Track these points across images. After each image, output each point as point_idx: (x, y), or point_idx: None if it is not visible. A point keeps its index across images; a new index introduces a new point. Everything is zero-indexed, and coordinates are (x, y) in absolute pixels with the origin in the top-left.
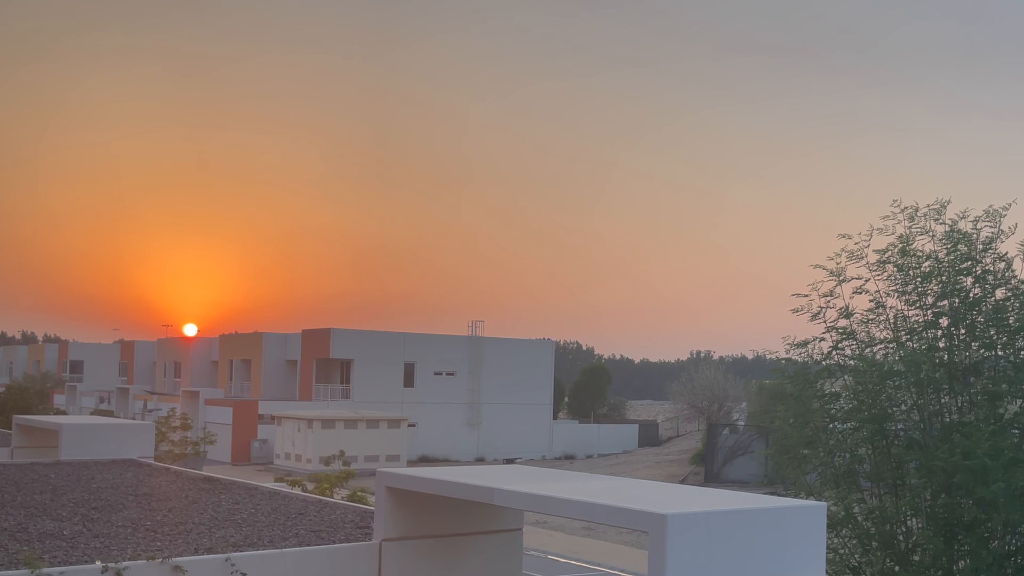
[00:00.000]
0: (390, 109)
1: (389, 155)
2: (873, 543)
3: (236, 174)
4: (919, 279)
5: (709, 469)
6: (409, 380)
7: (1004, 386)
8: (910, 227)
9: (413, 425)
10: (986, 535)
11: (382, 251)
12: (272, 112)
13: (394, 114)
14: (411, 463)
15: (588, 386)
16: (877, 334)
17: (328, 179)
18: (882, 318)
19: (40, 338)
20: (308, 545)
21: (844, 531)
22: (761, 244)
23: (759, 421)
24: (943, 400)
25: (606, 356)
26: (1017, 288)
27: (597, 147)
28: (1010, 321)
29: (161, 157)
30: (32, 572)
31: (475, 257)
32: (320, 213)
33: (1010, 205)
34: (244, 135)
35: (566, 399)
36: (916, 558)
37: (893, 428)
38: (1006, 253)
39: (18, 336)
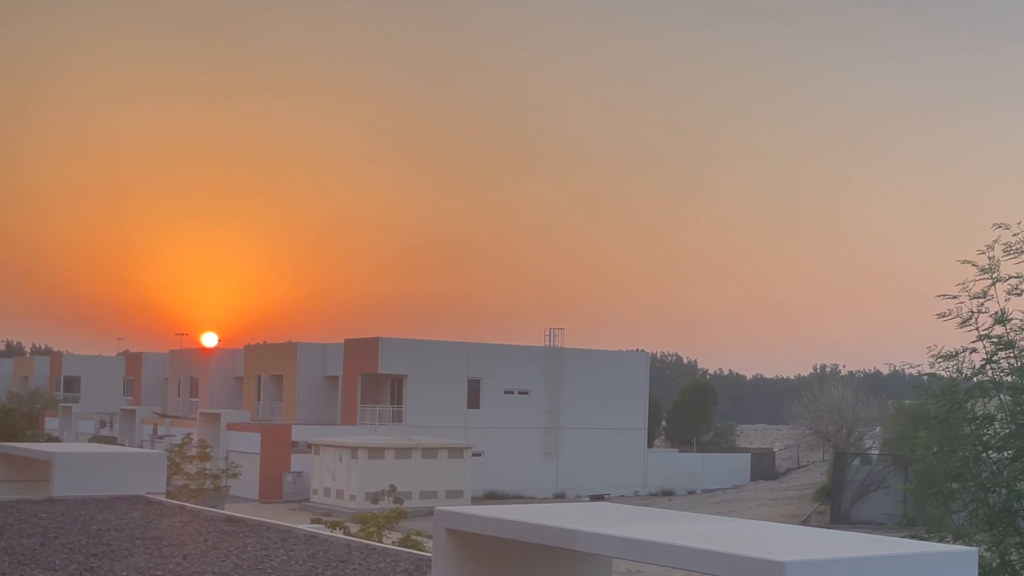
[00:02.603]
0: (446, 72)
1: (447, 129)
2: None
3: (263, 152)
4: None
5: (836, 507)
6: (474, 400)
7: None
8: None
9: (479, 454)
10: None
11: (440, 244)
12: (305, 76)
13: (451, 78)
14: (476, 500)
15: (690, 407)
16: None
17: (374, 158)
18: None
19: (28, 349)
20: None
21: None
22: (899, 235)
23: (897, 449)
24: None
25: (711, 371)
26: None
27: (698, 118)
28: None
29: (171, 131)
30: None
31: (552, 252)
32: (366, 199)
33: None
34: (271, 104)
35: (663, 423)
36: None
37: None
38: None
39: (1, 347)
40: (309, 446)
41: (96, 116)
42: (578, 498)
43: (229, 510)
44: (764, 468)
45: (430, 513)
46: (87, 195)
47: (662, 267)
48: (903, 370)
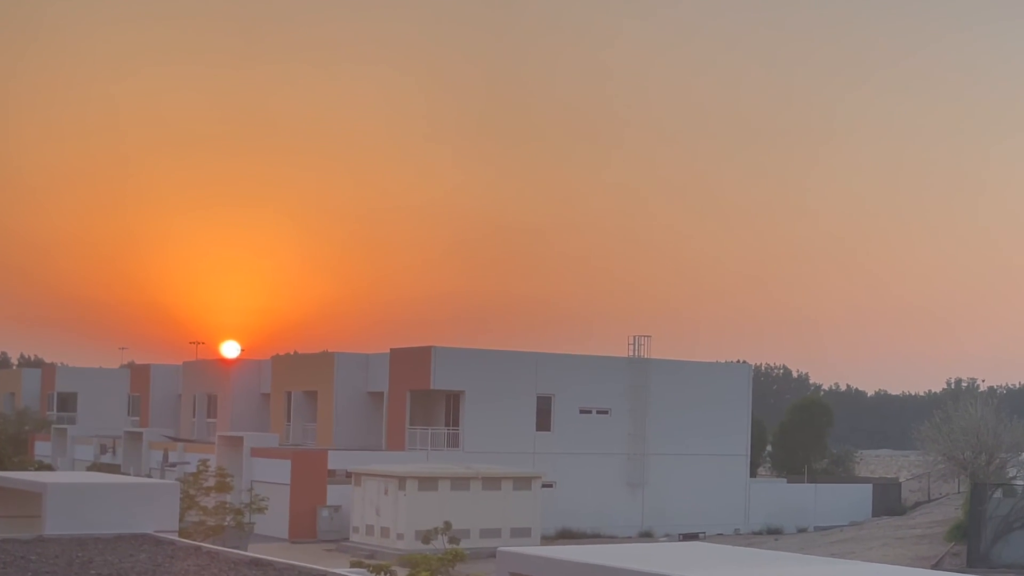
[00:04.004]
0: (512, 33)
1: (512, 100)
2: None
3: (293, 126)
4: None
5: (974, 548)
6: (544, 421)
7: None
8: None
9: (549, 485)
10: None
11: (504, 237)
12: (344, 35)
13: (518, 40)
14: (546, 540)
15: (800, 429)
16: None
17: (427, 135)
18: None
19: (15, 361)
20: None
21: None
22: None
23: None
24: None
25: (825, 386)
26: None
27: (809, 85)
28: None
29: (183, 101)
30: None
31: (636, 246)
32: (416, 184)
33: None
34: (303, 68)
35: (768, 448)
36: None
37: None
38: None
39: None
40: (349, 475)
41: (94, 85)
42: (667, 537)
43: (253, 551)
44: (888, 502)
45: (492, 555)
46: (84, 178)
47: (766, 264)
48: None
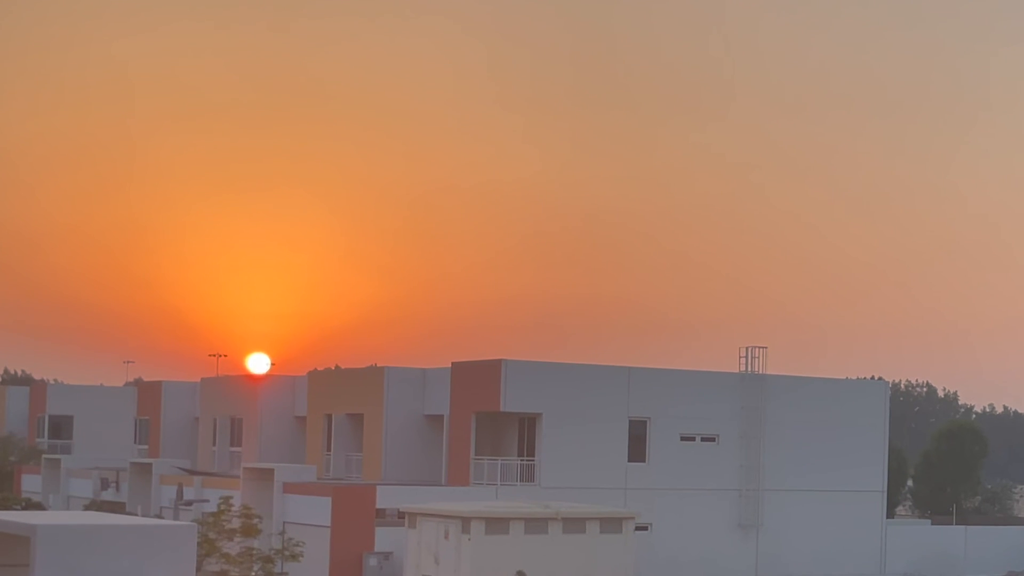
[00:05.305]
0: None
1: (595, 59)
2: None
3: (333, 94)
4: None
5: None
6: (638, 450)
7: None
8: None
9: (644, 527)
10: None
11: (587, 227)
12: None
13: None
14: None
15: (948, 460)
16: None
17: (497, 102)
18: None
19: None
20: None
21: None
22: None
23: None
24: None
25: (978, 408)
26: None
27: (959, 41)
28: None
29: (200, 65)
30: None
31: (748, 237)
32: (482, 163)
33: None
34: (346, 23)
35: (909, 482)
36: None
37: None
38: None
39: None
40: (401, 516)
41: (95, 43)
42: None
43: None
44: None
45: None
46: (81, 156)
47: (906, 260)
48: None
